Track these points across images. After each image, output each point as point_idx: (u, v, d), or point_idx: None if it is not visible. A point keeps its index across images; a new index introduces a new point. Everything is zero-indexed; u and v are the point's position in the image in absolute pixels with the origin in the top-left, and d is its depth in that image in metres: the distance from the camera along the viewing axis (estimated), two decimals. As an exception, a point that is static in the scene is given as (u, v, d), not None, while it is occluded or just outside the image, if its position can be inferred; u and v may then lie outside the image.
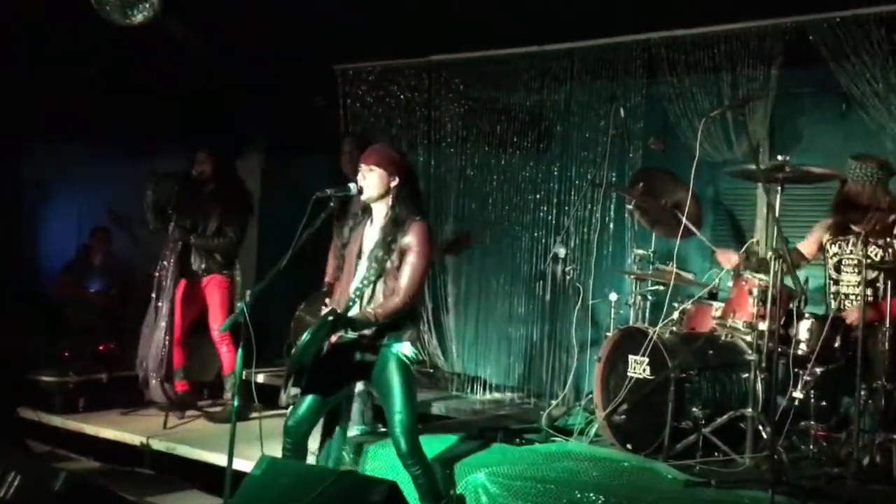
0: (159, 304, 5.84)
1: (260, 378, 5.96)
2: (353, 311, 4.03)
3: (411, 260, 3.99)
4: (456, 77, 6.65)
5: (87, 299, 7.56)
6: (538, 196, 6.44)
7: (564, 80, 6.23)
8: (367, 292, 4.04)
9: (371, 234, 4.14)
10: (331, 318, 3.86)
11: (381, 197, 4.10)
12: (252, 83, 7.10)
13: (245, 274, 6.35)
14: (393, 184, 4.08)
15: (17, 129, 7.29)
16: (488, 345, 6.69)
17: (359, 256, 4.15)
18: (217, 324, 6.00)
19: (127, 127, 7.30)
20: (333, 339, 4.02)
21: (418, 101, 6.81)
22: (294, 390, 3.97)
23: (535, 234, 6.43)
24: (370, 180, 4.09)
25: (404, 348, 4.03)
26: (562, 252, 6.03)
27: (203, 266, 6.04)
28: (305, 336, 3.83)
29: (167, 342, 5.84)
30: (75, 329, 7.24)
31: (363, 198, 4.12)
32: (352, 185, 4.10)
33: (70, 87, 6.85)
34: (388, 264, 4.01)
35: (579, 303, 5.67)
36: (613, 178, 6.04)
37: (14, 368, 6.41)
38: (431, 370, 6.69)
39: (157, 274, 5.92)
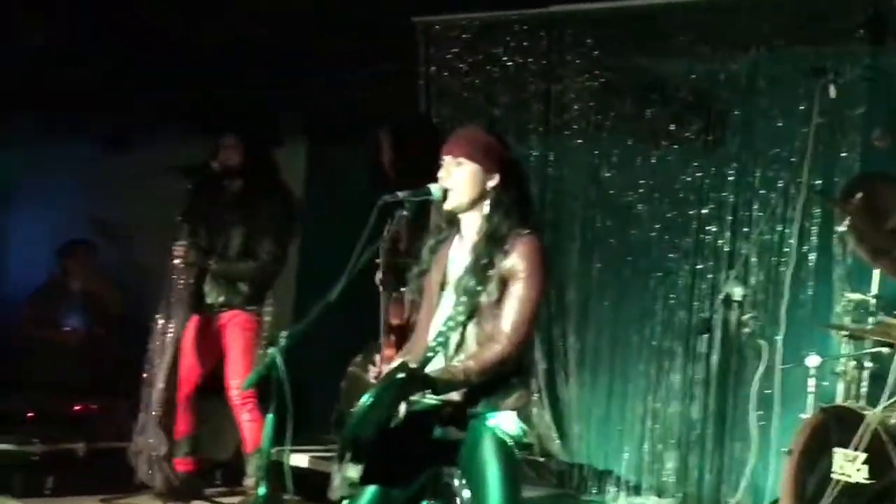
0: (157, 347, 6.01)
1: (297, 460, 5.99)
2: (434, 366, 4.01)
3: (518, 291, 3.97)
4: (588, 36, 6.69)
5: (61, 341, 7.73)
6: (704, 211, 6.44)
7: (748, 43, 6.23)
8: (454, 338, 4.03)
9: (459, 255, 4.16)
10: (401, 375, 3.84)
11: (474, 203, 4.10)
12: (293, 43, 7.23)
13: (280, 308, 6.44)
14: (490, 183, 4.08)
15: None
16: (626, 425, 6.67)
17: (442, 288, 4.16)
18: (237, 379, 6.05)
19: (114, 108, 7.59)
20: (404, 405, 3.96)
21: (532, 69, 6.85)
22: (350, 474, 3.93)
23: (699, 266, 6.43)
24: (458, 179, 4.09)
25: (506, 422, 4.00)
26: (738, 293, 5.93)
27: (221, 299, 6.13)
28: (366, 400, 3.81)
29: (165, 402, 5.94)
30: (43, 381, 7.40)
31: (448, 205, 4.13)
32: (433, 187, 4.10)
33: (35, 57, 7.12)
34: (484, 298, 4.00)
35: (762, 368, 5.61)
36: (818, 188, 5.98)
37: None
38: (541, 458, 6.67)
39: (160, 309, 6.04)
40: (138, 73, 7.36)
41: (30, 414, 6.96)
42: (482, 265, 4.01)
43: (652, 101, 6.56)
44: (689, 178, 6.48)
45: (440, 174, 4.11)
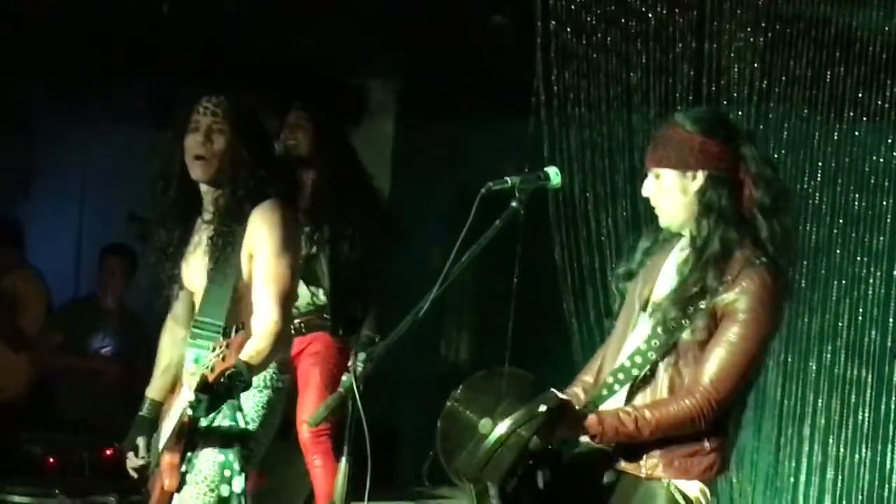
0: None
1: None
2: (608, 405, 4.06)
3: (732, 335, 3.94)
4: (752, -22, 6.63)
5: (91, 371, 7.81)
6: None
7: None
8: (641, 376, 4.06)
9: (672, 271, 4.15)
10: (548, 406, 3.84)
11: (689, 217, 4.10)
12: None
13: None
14: (693, 186, 4.06)
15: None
16: (801, 476, 6.64)
17: (645, 307, 4.18)
18: (309, 414, 6.00)
19: (157, 75, 7.81)
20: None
21: (680, 23, 6.80)
22: None
23: None
24: (657, 197, 4.14)
25: (690, 488, 4.01)
26: None
27: (297, 320, 6.06)
28: (497, 433, 3.84)
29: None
30: (68, 420, 7.59)
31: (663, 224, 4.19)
32: (551, 170, 4.10)
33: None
34: (687, 335, 3.99)
35: None
36: None
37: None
38: None
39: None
40: (185, 32, 7.53)
41: (51, 460, 7.12)
42: (689, 294, 3.99)
43: (834, 62, 6.53)
44: (882, 160, 6.49)
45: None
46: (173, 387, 4.90)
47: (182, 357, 4.86)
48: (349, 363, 6.19)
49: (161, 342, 5.03)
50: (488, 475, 3.89)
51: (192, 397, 4.25)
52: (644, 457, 3.99)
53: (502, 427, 3.81)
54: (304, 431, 6.14)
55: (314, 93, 6.47)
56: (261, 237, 4.59)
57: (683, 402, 3.90)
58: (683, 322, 3.96)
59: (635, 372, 4.02)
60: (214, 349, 4.17)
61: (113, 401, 7.63)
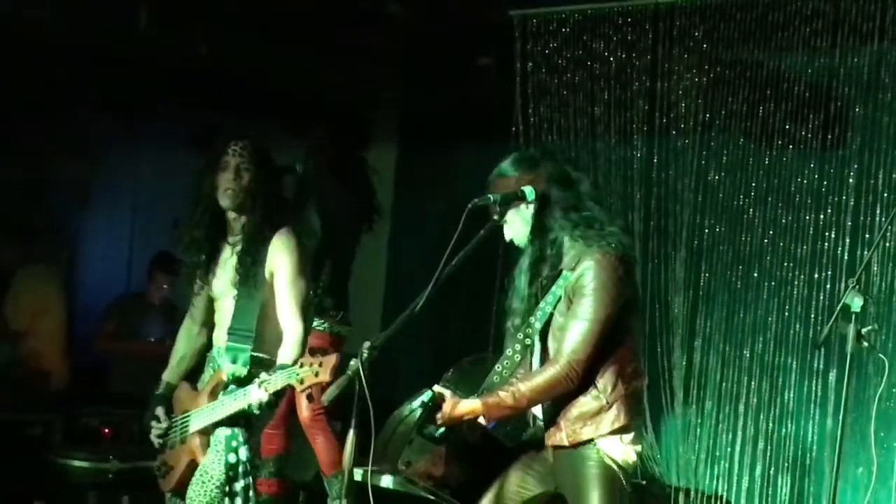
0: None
1: (386, 481, 5.94)
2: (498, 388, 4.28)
3: (583, 306, 4.16)
4: (696, 29, 6.70)
5: (140, 353, 7.97)
6: (822, 215, 6.43)
7: (870, 33, 6.19)
8: (517, 359, 4.36)
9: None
10: (421, 400, 4.14)
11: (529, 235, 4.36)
12: (383, 36, 7.39)
13: (368, 318, 6.67)
14: (528, 212, 4.31)
15: (50, 99, 7.81)
16: (736, 447, 6.67)
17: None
18: (305, 400, 6.24)
19: (196, 105, 7.86)
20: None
21: (638, 65, 6.90)
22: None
23: (817, 276, 6.42)
24: (514, 234, 4.36)
25: (613, 447, 4.19)
26: (857, 304, 5.90)
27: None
28: (391, 422, 4.23)
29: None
30: (120, 395, 7.64)
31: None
32: (527, 189, 4.30)
33: (122, 39, 7.28)
34: (556, 317, 4.24)
35: (883, 384, 5.42)
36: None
37: (30, 448, 6.92)
38: (643, 482, 6.49)
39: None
40: (222, 69, 7.63)
41: (106, 430, 7.26)
42: (541, 287, 4.30)
43: (766, 98, 6.55)
44: (805, 181, 6.47)
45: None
46: (185, 374, 5.19)
47: (195, 350, 5.18)
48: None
49: (179, 336, 5.28)
50: (390, 452, 4.23)
51: (265, 398, 4.43)
52: (563, 428, 4.19)
53: (395, 416, 4.18)
54: (304, 410, 6.31)
55: (333, 122, 6.62)
56: (281, 261, 4.85)
57: (549, 370, 4.14)
58: (546, 308, 4.22)
59: (515, 357, 4.31)
60: (303, 365, 4.27)
61: (159, 379, 7.76)
